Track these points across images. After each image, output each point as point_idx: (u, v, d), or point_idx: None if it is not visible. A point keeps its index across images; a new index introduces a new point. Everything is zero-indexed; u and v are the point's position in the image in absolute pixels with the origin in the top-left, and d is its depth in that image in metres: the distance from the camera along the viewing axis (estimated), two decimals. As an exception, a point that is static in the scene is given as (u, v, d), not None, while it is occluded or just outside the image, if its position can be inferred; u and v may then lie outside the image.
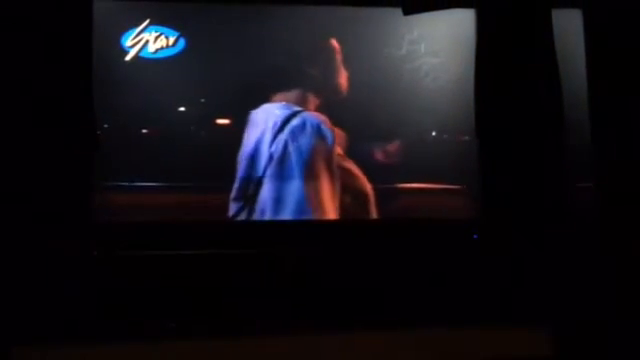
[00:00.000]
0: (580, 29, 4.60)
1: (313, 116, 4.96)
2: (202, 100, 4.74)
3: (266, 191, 4.79)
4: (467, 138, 4.67)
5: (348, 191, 4.81)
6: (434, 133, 4.78)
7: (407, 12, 4.37)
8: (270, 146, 4.86)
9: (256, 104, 4.80)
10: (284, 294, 4.22)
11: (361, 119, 4.74)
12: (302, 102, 4.89)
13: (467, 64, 4.55)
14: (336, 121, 4.82)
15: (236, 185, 4.78)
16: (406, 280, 4.30)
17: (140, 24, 4.62)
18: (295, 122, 4.92)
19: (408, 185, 4.77)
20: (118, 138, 4.57)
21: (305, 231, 4.58)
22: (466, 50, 4.63)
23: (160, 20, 4.63)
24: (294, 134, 4.89)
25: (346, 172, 4.88)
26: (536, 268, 4.27)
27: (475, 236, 4.52)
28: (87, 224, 4.19)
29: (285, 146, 4.86)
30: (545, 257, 4.27)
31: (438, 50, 4.77)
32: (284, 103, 4.91)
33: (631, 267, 4.14)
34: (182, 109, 4.69)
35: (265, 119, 4.92)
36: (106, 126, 4.52)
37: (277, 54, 4.79)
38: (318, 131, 4.92)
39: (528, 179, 4.39)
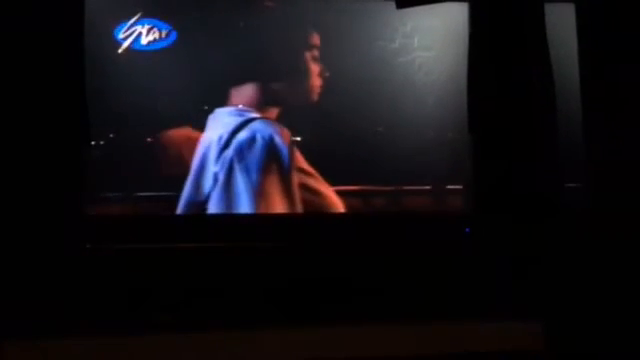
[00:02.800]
0: (573, 23, 4.52)
1: (266, 126, 4.33)
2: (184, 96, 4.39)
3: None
4: (459, 132, 4.55)
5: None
6: (426, 127, 4.62)
7: (400, 5, 4.36)
8: (215, 165, 4.26)
9: (220, 104, 4.42)
10: (277, 289, 4.18)
11: (350, 114, 4.51)
12: (267, 103, 4.43)
13: (460, 58, 4.50)
14: (304, 126, 4.47)
15: (180, 209, 4.30)
16: (398, 274, 4.28)
17: (132, 17, 4.40)
18: (243, 136, 4.28)
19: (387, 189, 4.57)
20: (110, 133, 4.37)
21: (295, 225, 4.44)
22: (459, 44, 4.56)
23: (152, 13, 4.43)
24: (241, 151, 4.26)
25: (313, 193, 4.37)
26: (528, 262, 4.25)
27: (467, 230, 4.49)
28: (80, 217, 4.15)
29: (230, 166, 4.25)
30: (537, 251, 4.23)
31: (431, 44, 4.68)
32: (238, 107, 4.38)
33: (622, 262, 4.13)
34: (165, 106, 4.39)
35: (214, 129, 4.33)
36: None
37: (260, 49, 4.47)
38: (270, 146, 4.30)
39: (520, 173, 4.36)
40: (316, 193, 4.34)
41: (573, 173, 4.40)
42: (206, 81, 4.35)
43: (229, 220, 4.34)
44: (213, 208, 4.25)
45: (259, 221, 4.33)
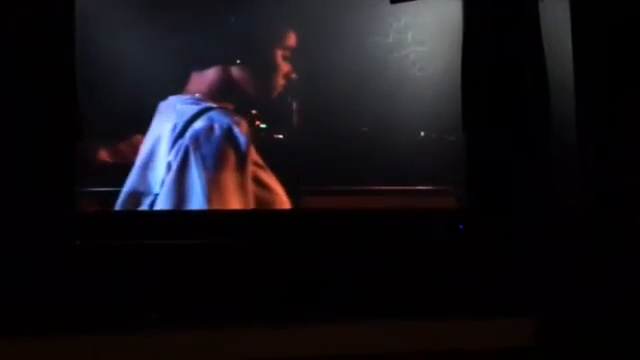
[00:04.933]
0: (567, 19, 4.50)
1: (223, 116, 4.18)
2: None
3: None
4: (454, 128, 4.52)
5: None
6: (420, 123, 4.56)
7: (394, 0, 4.37)
8: (168, 154, 4.09)
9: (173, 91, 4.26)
10: (272, 285, 4.16)
11: (344, 108, 4.45)
12: (226, 93, 4.28)
13: (454, 53, 4.50)
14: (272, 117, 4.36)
15: (122, 197, 4.15)
16: (391, 271, 4.27)
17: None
18: (200, 125, 4.12)
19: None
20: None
21: (290, 220, 4.39)
22: (453, 39, 4.54)
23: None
24: (197, 140, 4.10)
25: (263, 187, 4.21)
26: (521, 259, 4.27)
27: (461, 227, 4.49)
28: (70, 214, 4.11)
29: (185, 156, 4.08)
30: (530, 248, 4.27)
31: (425, 39, 4.62)
32: (194, 96, 4.22)
33: (615, 258, 4.15)
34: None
35: (166, 117, 4.15)
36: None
37: (228, 35, 4.35)
38: (228, 136, 4.14)
39: (514, 170, 4.40)
40: (266, 188, 4.22)
41: (567, 170, 4.39)
42: (162, 65, 4.17)
43: (221, 216, 4.26)
44: (165, 198, 4.09)
45: (251, 218, 4.26)
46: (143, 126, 4.20)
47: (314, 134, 4.38)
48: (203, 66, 4.26)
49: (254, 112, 4.29)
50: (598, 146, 4.32)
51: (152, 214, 4.22)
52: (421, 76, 4.53)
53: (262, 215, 4.29)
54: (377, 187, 4.44)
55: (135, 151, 4.17)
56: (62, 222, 4.05)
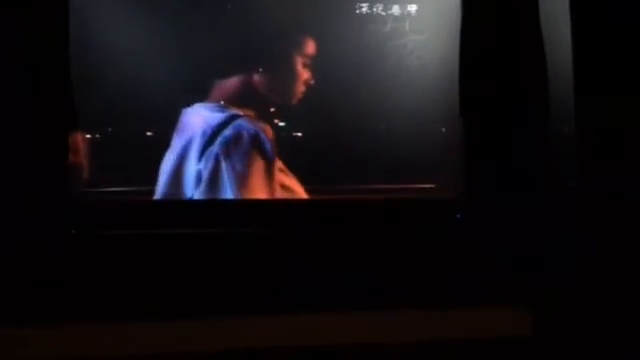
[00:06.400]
0: (566, 7, 4.38)
1: (250, 123, 4.27)
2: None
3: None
4: (452, 117, 4.50)
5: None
6: (418, 112, 4.52)
7: None
8: (198, 161, 4.19)
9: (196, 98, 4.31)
10: (266, 275, 4.14)
11: (340, 97, 4.43)
12: (248, 100, 4.32)
13: (453, 41, 4.47)
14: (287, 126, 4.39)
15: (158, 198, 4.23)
16: (388, 260, 4.25)
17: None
18: (228, 132, 4.22)
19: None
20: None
21: (290, 210, 4.38)
22: (452, 27, 4.51)
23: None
24: (227, 148, 4.20)
25: (288, 192, 4.33)
26: (518, 248, 4.26)
27: (458, 216, 4.46)
28: (66, 203, 4.10)
29: (216, 163, 4.19)
30: (527, 237, 4.25)
31: (423, 27, 4.56)
32: (219, 103, 4.29)
33: (612, 248, 4.10)
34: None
35: (194, 124, 4.24)
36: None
37: (240, 36, 4.36)
38: (256, 143, 4.25)
39: (512, 159, 4.38)
40: (291, 191, 4.33)
41: (565, 159, 4.35)
42: (187, 72, 4.24)
43: (215, 206, 4.28)
44: (197, 206, 4.19)
45: (243, 207, 4.30)
46: (140, 119, 4.23)
47: (310, 124, 4.39)
48: (221, 71, 4.28)
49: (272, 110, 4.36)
50: (597, 134, 4.24)
51: (153, 204, 4.25)
52: (418, 64, 4.51)
53: (255, 204, 4.31)
54: (374, 179, 4.44)
55: (136, 143, 4.20)
56: (59, 211, 4.05)
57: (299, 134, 4.36)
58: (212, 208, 4.27)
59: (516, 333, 4.13)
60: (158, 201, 4.23)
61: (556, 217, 4.24)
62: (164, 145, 4.24)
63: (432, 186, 4.48)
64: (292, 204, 4.35)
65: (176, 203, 4.26)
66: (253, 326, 4.02)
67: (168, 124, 4.25)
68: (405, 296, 4.15)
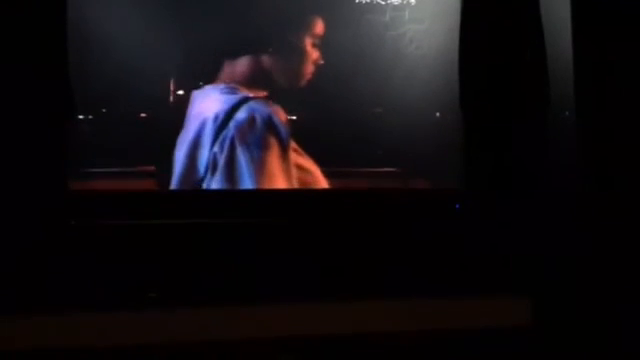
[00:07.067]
0: None
1: (262, 106, 4.26)
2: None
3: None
4: (451, 107, 4.50)
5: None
6: (417, 103, 4.50)
7: None
8: (212, 145, 4.16)
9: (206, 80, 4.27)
10: (265, 263, 4.14)
11: (338, 86, 4.41)
12: (258, 82, 4.30)
13: (452, 31, 4.48)
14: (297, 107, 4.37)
15: (174, 186, 4.20)
16: (387, 250, 4.26)
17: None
18: (241, 115, 4.19)
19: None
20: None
21: (292, 200, 4.35)
22: (451, 16, 4.52)
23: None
24: (242, 132, 4.18)
25: (303, 172, 4.33)
26: (517, 238, 4.30)
27: (457, 206, 4.47)
28: (64, 193, 4.05)
29: (232, 146, 4.17)
30: (526, 227, 4.29)
31: (423, 17, 4.55)
32: (229, 85, 4.25)
33: (610, 237, 4.12)
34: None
35: (205, 107, 4.20)
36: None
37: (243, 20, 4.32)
38: (270, 125, 4.24)
39: (511, 150, 4.40)
40: (306, 171, 4.32)
41: (565, 148, 4.34)
42: (196, 55, 4.19)
43: (216, 196, 4.25)
44: (216, 187, 4.16)
45: (255, 196, 4.28)
46: (142, 106, 4.18)
47: (309, 113, 4.38)
48: (230, 52, 4.25)
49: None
50: (597, 123, 4.26)
51: (144, 194, 4.22)
52: (418, 54, 4.50)
53: (252, 194, 4.28)
54: (373, 164, 4.46)
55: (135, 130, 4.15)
56: (56, 201, 4.00)
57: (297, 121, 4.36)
58: (215, 199, 4.26)
59: (515, 323, 4.15)
60: (156, 192, 4.21)
61: (555, 207, 4.24)
62: (173, 128, 4.20)
63: (430, 175, 4.50)
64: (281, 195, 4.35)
65: (173, 194, 4.23)
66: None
67: (176, 107, 4.21)
68: (404, 286, 4.16)
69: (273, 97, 4.30)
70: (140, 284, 4.02)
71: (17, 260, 3.87)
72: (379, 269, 4.20)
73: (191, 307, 3.99)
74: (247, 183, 4.18)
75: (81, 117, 4.12)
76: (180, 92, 4.20)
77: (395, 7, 4.50)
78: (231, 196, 4.26)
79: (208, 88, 4.21)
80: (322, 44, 4.37)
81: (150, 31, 4.12)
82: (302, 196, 4.34)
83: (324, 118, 4.36)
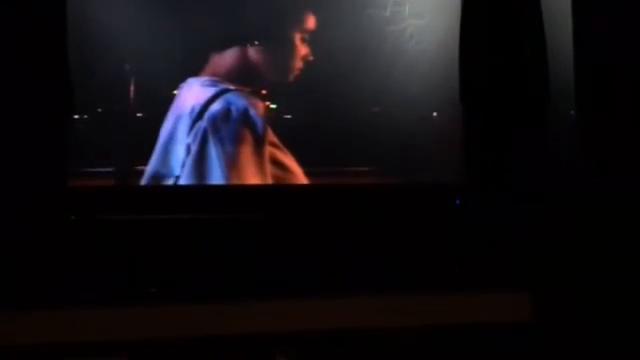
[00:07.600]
0: None
1: (240, 98, 4.21)
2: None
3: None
4: (451, 103, 4.46)
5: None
6: (417, 98, 4.48)
7: None
8: (187, 136, 4.15)
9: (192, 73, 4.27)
10: (265, 259, 4.14)
11: (338, 82, 4.38)
12: (244, 75, 4.27)
13: (453, 26, 4.45)
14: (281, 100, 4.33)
15: (146, 179, 4.20)
16: (386, 245, 4.26)
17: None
18: (216, 107, 4.16)
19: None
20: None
21: (289, 195, 4.38)
22: (452, 11, 4.49)
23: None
24: (215, 123, 4.15)
25: (281, 167, 4.26)
26: (518, 234, 4.28)
27: (457, 201, 4.46)
28: (64, 188, 4.07)
29: (204, 138, 4.14)
30: (527, 223, 4.27)
31: (424, 11, 4.54)
32: (211, 78, 4.24)
33: (610, 234, 4.16)
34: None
35: (185, 100, 4.19)
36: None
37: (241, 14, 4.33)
38: (245, 118, 4.18)
39: (512, 145, 4.37)
40: (284, 167, 4.26)
41: (565, 143, 4.38)
42: (183, 47, 4.21)
43: (213, 191, 4.27)
44: (185, 180, 4.13)
45: (254, 192, 4.27)
46: (137, 102, 4.20)
47: (308, 109, 4.36)
48: (216, 45, 4.25)
49: (264, 92, 4.30)
50: (597, 118, 4.30)
51: (143, 190, 4.24)
52: (418, 50, 4.49)
53: (253, 190, 4.28)
54: (372, 158, 4.42)
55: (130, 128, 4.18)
56: (55, 196, 4.03)
57: (290, 116, 4.33)
58: (206, 193, 4.27)
59: (515, 319, 4.10)
60: (156, 187, 4.22)
61: (557, 201, 4.24)
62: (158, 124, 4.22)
63: (431, 171, 4.45)
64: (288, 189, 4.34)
65: (172, 189, 4.24)
66: (252, 311, 3.99)
67: (163, 102, 4.22)
68: (404, 281, 4.16)
69: (258, 93, 4.26)
70: (138, 279, 4.03)
71: (16, 255, 3.89)
72: (378, 264, 4.21)
73: (189, 303, 3.96)
74: (216, 175, 4.14)
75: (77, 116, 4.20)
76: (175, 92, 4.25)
77: (395, 2, 4.48)
78: (224, 191, 4.23)
79: (191, 80, 4.20)
80: (321, 40, 4.33)
81: (149, 30, 4.18)
82: (309, 192, 4.36)
83: (322, 114, 4.32)
